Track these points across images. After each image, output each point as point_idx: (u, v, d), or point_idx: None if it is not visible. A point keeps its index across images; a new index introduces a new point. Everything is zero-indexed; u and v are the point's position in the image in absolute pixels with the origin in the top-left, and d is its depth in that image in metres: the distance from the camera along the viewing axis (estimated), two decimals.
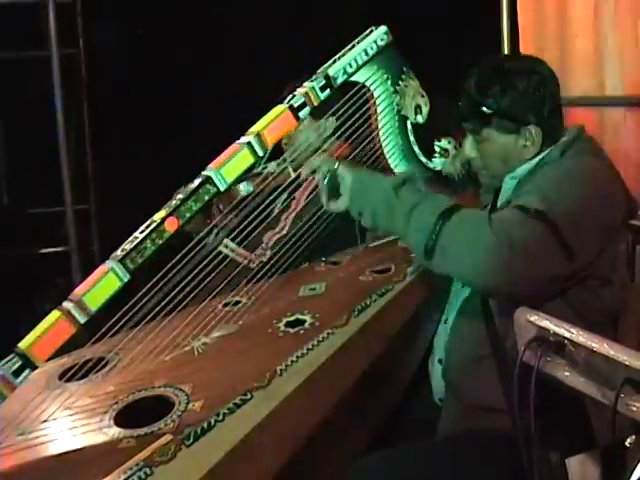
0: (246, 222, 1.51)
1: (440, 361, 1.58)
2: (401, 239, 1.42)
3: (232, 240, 1.61)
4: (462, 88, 1.53)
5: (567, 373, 1.03)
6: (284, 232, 1.78)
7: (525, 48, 2.86)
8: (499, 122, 1.49)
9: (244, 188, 1.59)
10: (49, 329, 1.18)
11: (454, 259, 1.30)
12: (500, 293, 1.35)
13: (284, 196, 1.80)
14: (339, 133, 1.58)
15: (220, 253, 1.48)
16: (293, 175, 1.71)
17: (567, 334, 1.02)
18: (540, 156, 1.51)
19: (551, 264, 1.30)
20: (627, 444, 0.98)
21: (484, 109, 1.48)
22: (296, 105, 1.46)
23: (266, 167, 1.80)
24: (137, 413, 1.21)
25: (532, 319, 1.07)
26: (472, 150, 1.58)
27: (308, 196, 1.81)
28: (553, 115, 1.50)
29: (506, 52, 2.98)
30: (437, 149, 1.75)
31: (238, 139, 1.41)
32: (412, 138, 1.71)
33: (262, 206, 1.54)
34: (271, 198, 1.60)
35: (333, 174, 1.42)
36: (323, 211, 1.54)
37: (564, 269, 1.32)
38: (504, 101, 1.47)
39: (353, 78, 1.56)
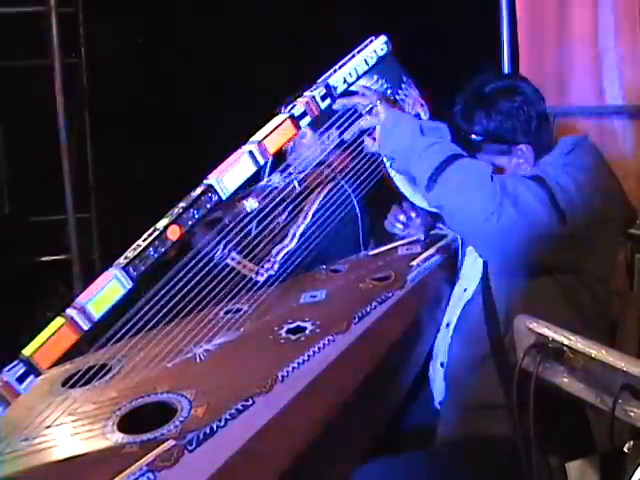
0: (253, 235, 1.52)
1: (442, 364, 1.60)
2: (413, 174, 1.48)
3: (239, 253, 1.62)
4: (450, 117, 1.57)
5: (566, 379, 1.04)
6: (292, 245, 1.80)
7: (524, 58, 2.87)
8: (490, 146, 1.52)
9: (249, 204, 1.61)
10: (53, 336, 1.19)
11: (451, 193, 1.38)
12: (488, 240, 1.39)
13: (291, 209, 1.82)
14: (338, 142, 1.60)
15: (221, 261, 1.49)
16: (298, 189, 1.74)
17: (566, 341, 1.03)
18: (539, 163, 1.53)
19: (542, 219, 1.34)
20: (626, 450, 0.99)
21: (473, 137, 1.51)
22: (297, 114, 1.47)
23: (270, 180, 1.81)
24: (140, 419, 1.21)
25: (531, 326, 1.08)
26: None
27: (316, 210, 1.83)
28: (541, 129, 1.52)
29: (506, 62, 3.01)
30: None
31: (239, 148, 1.42)
32: None
33: (270, 219, 1.56)
34: (278, 210, 1.62)
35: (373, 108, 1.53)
36: (328, 221, 1.57)
37: (553, 230, 1.35)
38: (491, 125, 1.50)
39: (353, 87, 1.58)
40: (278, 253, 1.79)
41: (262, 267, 1.71)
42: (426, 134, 1.47)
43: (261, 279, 1.65)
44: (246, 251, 1.59)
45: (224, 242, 1.57)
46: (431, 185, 1.38)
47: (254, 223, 1.57)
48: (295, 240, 1.80)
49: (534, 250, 1.36)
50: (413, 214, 1.96)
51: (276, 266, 1.72)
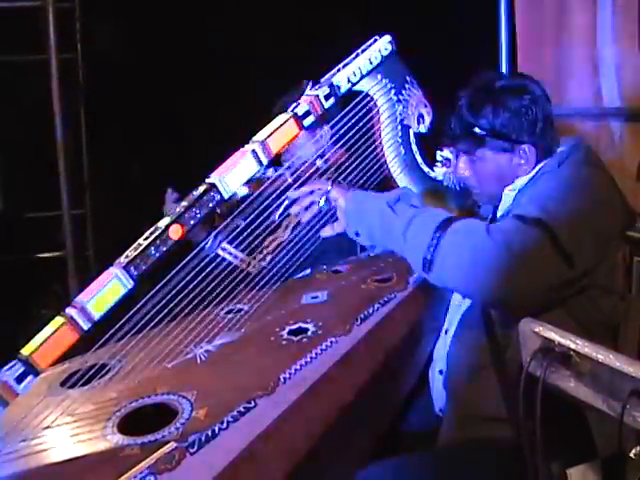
0: (246, 226, 1.50)
1: (441, 372, 1.59)
2: (400, 254, 1.42)
3: (231, 244, 1.61)
4: (453, 109, 1.54)
5: (572, 384, 1.04)
6: (285, 237, 1.78)
7: (523, 59, 2.88)
8: (493, 142, 1.50)
9: (240, 191, 1.59)
10: (52, 335, 1.17)
11: (453, 272, 1.30)
12: (501, 304, 1.35)
13: (286, 202, 1.81)
14: (342, 142, 1.58)
15: (221, 259, 1.47)
16: (290, 180, 1.72)
17: (572, 345, 1.02)
18: (537, 167, 1.51)
19: (550, 272, 1.30)
20: (632, 455, 0.99)
21: (477, 130, 1.49)
22: (300, 113, 1.46)
23: (265, 173, 1.80)
24: (140, 420, 1.20)
25: (537, 330, 1.07)
26: (466, 170, 1.59)
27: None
28: (546, 132, 1.51)
29: (504, 63, 3.01)
30: (439, 158, 1.76)
31: (236, 146, 1.41)
32: (414, 147, 1.72)
33: (262, 210, 1.54)
34: (272, 204, 1.60)
35: (327, 198, 1.46)
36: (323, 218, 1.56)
37: (563, 276, 1.32)
38: (497, 121, 1.48)
39: (356, 87, 1.57)
40: (270, 245, 1.78)
41: (254, 259, 1.69)
42: (396, 209, 1.39)
43: (254, 270, 1.64)
44: (238, 241, 1.56)
45: (214, 232, 1.56)
46: (428, 267, 1.31)
47: (248, 214, 1.53)
48: (287, 232, 1.79)
49: (542, 297, 1.33)
50: None
51: (268, 257, 1.71)
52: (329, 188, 1.48)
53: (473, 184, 1.60)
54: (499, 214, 1.58)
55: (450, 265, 1.29)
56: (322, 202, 1.49)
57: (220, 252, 1.65)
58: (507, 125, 1.48)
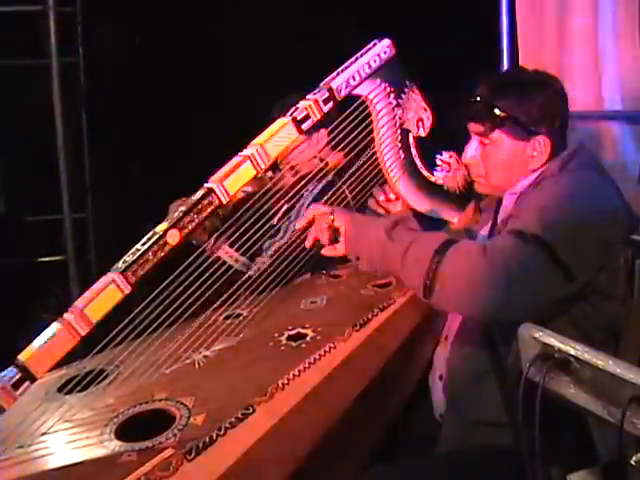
0: (245, 229, 1.50)
1: (440, 377, 1.58)
2: (395, 274, 1.42)
3: (231, 246, 1.60)
4: (474, 91, 1.53)
5: (572, 390, 1.03)
6: (284, 240, 1.78)
7: (524, 61, 2.87)
8: (511, 126, 1.48)
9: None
10: (49, 341, 1.17)
11: (453, 296, 1.30)
12: (503, 322, 1.35)
13: (285, 206, 1.81)
14: (341, 146, 1.58)
15: (220, 263, 1.46)
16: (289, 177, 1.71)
17: (572, 351, 1.01)
18: (539, 171, 1.51)
19: (551, 289, 1.30)
20: (633, 462, 0.98)
21: (498, 111, 1.48)
22: (299, 117, 1.45)
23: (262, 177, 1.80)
24: (138, 426, 1.20)
25: (536, 335, 1.07)
26: (476, 154, 1.57)
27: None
28: (562, 129, 1.51)
29: (505, 64, 3.00)
30: (439, 162, 1.75)
31: (237, 149, 1.41)
32: (414, 151, 1.71)
33: (261, 212, 1.53)
34: (271, 206, 1.59)
35: (329, 222, 1.44)
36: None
37: (564, 291, 1.32)
38: (519, 107, 1.47)
39: (356, 91, 1.56)
40: (269, 248, 1.77)
41: (253, 261, 1.69)
42: (393, 235, 1.38)
43: (252, 273, 1.63)
44: (238, 244, 1.56)
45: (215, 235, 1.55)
46: (428, 293, 1.31)
47: (247, 217, 1.52)
48: (287, 235, 1.79)
49: (544, 312, 1.33)
50: (393, 196, 1.88)
51: (267, 260, 1.70)
52: (331, 216, 1.46)
53: (480, 172, 1.58)
54: (499, 219, 1.57)
55: (450, 290, 1.29)
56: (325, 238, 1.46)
57: (220, 254, 1.64)
58: (528, 113, 1.47)
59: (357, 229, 1.43)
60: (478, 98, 1.51)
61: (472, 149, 1.57)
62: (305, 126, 1.45)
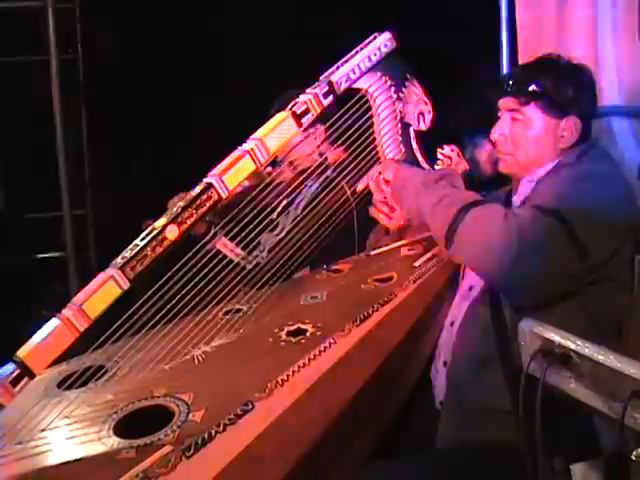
0: (244, 223, 1.49)
1: (445, 363, 1.58)
2: (428, 224, 1.51)
3: (230, 240, 1.59)
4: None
5: (573, 385, 1.02)
6: (282, 235, 1.77)
7: (523, 54, 2.85)
8: (546, 103, 1.51)
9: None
10: (48, 337, 1.17)
11: (469, 250, 1.39)
12: (511, 286, 1.38)
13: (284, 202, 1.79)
14: (341, 141, 1.57)
15: (219, 258, 1.45)
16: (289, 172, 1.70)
17: (573, 346, 1.01)
18: (557, 160, 1.53)
19: (563, 262, 1.33)
20: (633, 457, 0.97)
21: (534, 87, 1.51)
22: (299, 111, 1.44)
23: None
24: (137, 423, 1.19)
25: (537, 330, 1.06)
26: (506, 129, 1.58)
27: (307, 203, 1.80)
28: (591, 115, 1.55)
29: (505, 60, 2.99)
30: (440, 156, 1.75)
31: (236, 145, 1.40)
32: (415, 145, 1.70)
33: (260, 207, 1.52)
34: (272, 200, 1.58)
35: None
36: (322, 218, 1.57)
37: (576, 267, 1.34)
38: (556, 85, 1.50)
39: (356, 85, 1.55)
40: (267, 242, 1.76)
41: (250, 254, 1.68)
42: (431, 188, 1.49)
43: (249, 267, 1.62)
44: (238, 239, 1.55)
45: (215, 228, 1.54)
46: (448, 244, 1.40)
47: (246, 211, 1.51)
48: (285, 230, 1.78)
49: (554, 286, 1.37)
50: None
51: (265, 254, 1.69)
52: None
53: (507, 149, 1.60)
54: (516, 203, 1.57)
55: (467, 243, 1.38)
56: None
57: (218, 246, 1.64)
58: (564, 92, 1.50)
59: (402, 179, 1.56)
60: (511, 78, 1.56)
61: (502, 125, 1.59)
62: (305, 120, 1.45)
